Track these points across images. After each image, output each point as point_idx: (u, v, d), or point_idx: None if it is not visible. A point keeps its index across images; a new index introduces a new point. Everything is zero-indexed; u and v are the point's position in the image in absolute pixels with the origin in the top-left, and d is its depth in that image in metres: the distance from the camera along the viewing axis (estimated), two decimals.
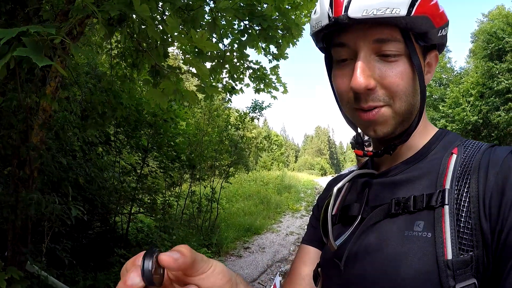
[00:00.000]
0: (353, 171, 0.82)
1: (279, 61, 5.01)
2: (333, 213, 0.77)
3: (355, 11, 0.61)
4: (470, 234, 0.56)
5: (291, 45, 4.45)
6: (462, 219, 0.58)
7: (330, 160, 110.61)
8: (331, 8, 0.64)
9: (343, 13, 0.62)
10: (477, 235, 0.56)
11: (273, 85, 5.98)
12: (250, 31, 4.08)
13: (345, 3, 0.62)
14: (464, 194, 0.60)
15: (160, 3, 2.94)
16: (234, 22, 4.16)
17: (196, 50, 4.04)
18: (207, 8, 3.60)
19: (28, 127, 2.53)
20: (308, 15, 5.12)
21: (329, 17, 0.65)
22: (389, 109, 0.67)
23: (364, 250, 0.68)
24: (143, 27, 3.49)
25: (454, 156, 0.67)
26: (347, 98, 0.70)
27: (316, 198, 1.17)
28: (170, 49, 4.56)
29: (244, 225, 9.51)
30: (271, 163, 38.58)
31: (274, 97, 6.75)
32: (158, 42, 3.45)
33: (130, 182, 6.15)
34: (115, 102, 4.25)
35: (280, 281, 5.90)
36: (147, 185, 6.25)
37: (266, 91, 6.23)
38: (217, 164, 8.67)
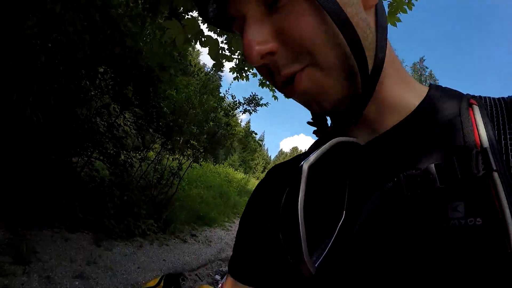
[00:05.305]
0: None
1: None
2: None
3: None
4: None
5: None
6: None
7: None
8: None
9: None
10: None
11: None
12: None
13: None
14: None
15: None
16: None
17: None
18: None
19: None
20: None
21: None
22: (313, 68, 0.46)
23: (367, 271, 0.43)
24: None
25: (476, 108, 0.45)
26: (270, 78, 0.51)
27: None
28: None
29: (198, 212, 9.17)
30: (239, 164, 38.45)
31: (275, 97, 6.54)
32: None
33: (99, 125, 5.73)
34: (119, 38, 3.86)
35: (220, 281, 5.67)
36: (118, 135, 5.85)
37: (270, 88, 6.07)
38: (193, 142, 8.28)
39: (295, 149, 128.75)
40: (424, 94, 0.53)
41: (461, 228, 0.38)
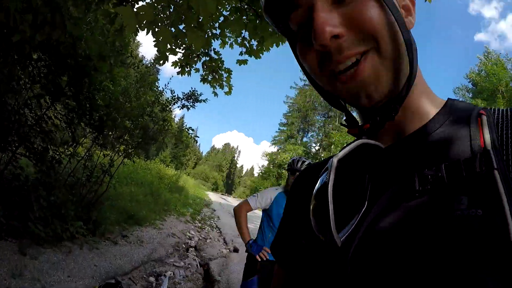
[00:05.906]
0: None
1: (251, 57, 4.71)
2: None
3: None
4: None
5: (274, 46, 4.18)
6: None
7: (226, 179, 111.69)
8: None
9: None
10: None
11: (221, 82, 5.86)
12: (242, 14, 3.70)
13: None
14: None
15: None
16: None
17: None
18: None
19: None
20: None
21: None
22: (375, 54, 0.53)
23: (383, 247, 0.49)
24: None
25: (485, 117, 0.53)
26: (319, 66, 0.56)
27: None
28: None
29: (128, 211, 8.71)
30: (171, 160, 37.65)
31: (215, 94, 6.45)
32: None
33: (27, 117, 5.15)
34: (60, 22, 3.45)
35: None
36: (47, 129, 5.30)
37: (211, 84, 6.00)
38: (127, 137, 7.80)
39: (227, 145, 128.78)
40: (441, 105, 0.61)
41: (464, 217, 0.44)
